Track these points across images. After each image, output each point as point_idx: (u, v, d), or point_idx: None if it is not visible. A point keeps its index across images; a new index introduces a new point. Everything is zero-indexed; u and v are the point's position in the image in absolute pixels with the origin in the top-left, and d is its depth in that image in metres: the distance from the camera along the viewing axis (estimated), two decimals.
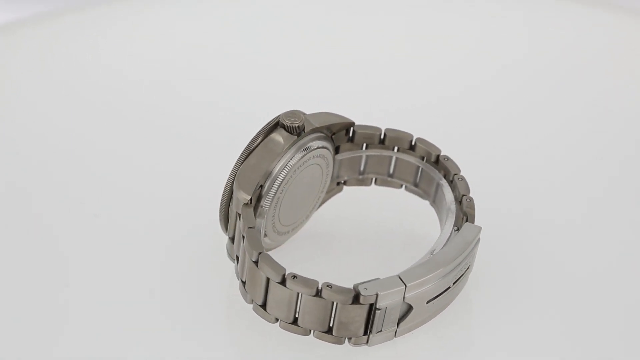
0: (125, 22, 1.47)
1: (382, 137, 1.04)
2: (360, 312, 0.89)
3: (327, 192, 1.06)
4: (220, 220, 0.97)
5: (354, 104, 1.24)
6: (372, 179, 1.08)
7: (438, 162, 1.03)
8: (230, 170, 0.94)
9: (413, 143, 1.04)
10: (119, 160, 1.18)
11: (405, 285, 0.88)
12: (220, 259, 1.00)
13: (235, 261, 0.95)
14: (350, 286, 0.88)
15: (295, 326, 0.91)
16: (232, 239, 0.97)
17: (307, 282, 0.88)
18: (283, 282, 0.89)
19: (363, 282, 0.89)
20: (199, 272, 1.01)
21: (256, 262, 0.89)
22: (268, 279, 0.89)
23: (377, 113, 1.22)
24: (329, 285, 0.88)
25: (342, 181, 1.07)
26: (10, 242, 1.04)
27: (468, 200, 0.98)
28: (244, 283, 0.93)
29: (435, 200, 1.04)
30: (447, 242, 0.95)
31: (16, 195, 1.10)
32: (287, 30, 1.45)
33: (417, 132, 1.04)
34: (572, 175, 1.20)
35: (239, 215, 0.93)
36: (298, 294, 0.89)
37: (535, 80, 1.39)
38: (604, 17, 1.55)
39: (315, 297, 0.88)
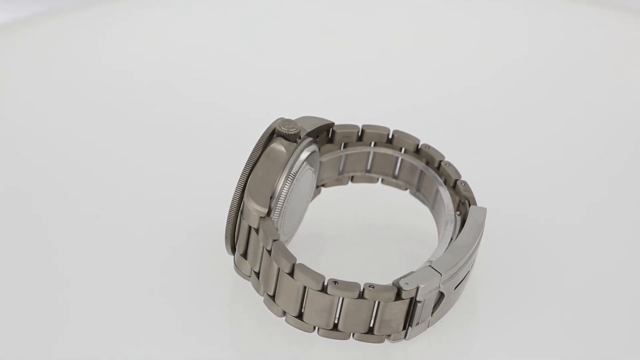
0: (125, 21, 1.47)
1: (359, 134, 1.04)
2: (402, 307, 0.90)
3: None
4: (226, 238, 0.95)
5: (354, 104, 1.24)
6: (349, 177, 1.08)
7: (419, 152, 1.04)
8: (236, 185, 0.93)
9: (390, 136, 1.04)
10: (119, 160, 1.18)
11: (441, 274, 0.89)
12: (221, 258, 0.99)
13: (254, 276, 0.94)
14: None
15: (335, 332, 0.91)
16: (244, 255, 0.95)
17: (349, 285, 0.88)
18: (324, 289, 0.89)
19: (401, 278, 0.89)
20: (199, 272, 1.01)
21: (291, 273, 0.89)
22: (305, 288, 0.89)
23: (377, 113, 1.22)
24: (371, 286, 0.88)
25: (322, 184, 1.07)
26: (10, 242, 1.04)
27: (463, 184, 0.99)
28: (272, 297, 0.92)
29: (420, 189, 1.05)
30: (455, 230, 0.96)
31: (15, 195, 1.10)
32: (287, 30, 1.46)
33: (416, 132, 1.05)
34: (573, 175, 1.21)
35: (256, 229, 0.91)
36: (339, 298, 0.89)
37: (536, 81, 1.39)
38: (604, 16, 1.55)
39: (357, 300, 0.88)
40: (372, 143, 1.05)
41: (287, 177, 0.93)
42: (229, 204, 0.93)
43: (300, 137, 0.95)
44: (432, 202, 1.04)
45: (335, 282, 0.88)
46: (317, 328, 0.91)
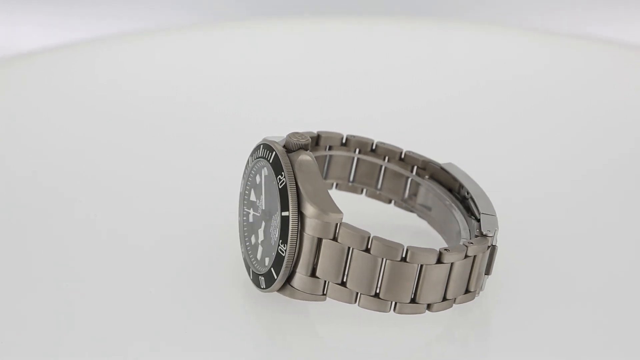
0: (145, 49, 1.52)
1: (344, 140, 1.06)
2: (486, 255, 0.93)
3: None
4: (285, 268, 0.89)
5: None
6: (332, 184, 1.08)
7: (375, 150, 1.06)
8: (279, 214, 0.89)
9: (344, 140, 1.06)
10: (133, 178, 1.21)
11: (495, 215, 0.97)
12: (232, 258, 0.99)
13: (337, 289, 0.89)
14: None
15: (446, 302, 0.92)
16: (313, 274, 0.90)
17: (456, 248, 0.90)
18: (440, 260, 0.89)
19: (480, 223, 0.94)
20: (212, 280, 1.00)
21: (404, 258, 0.88)
22: (421, 267, 0.88)
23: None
24: (470, 242, 0.91)
25: None
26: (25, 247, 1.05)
27: (411, 153, 1.04)
28: (376, 295, 0.89)
29: (380, 188, 1.08)
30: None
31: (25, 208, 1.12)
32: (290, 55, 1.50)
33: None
34: (578, 179, 1.25)
35: (334, 238, 0.87)
36: (452, 264, 0.90)
37: (545, 94, 1.45)
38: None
39: (464, 260, 0.90)
40: (357, 150, 1.07)
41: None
42: (288, 233, 0.88)
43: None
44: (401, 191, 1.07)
45: (446, 249, 0.89)
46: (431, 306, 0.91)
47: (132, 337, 0.89)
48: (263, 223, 0.92)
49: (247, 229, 0.95)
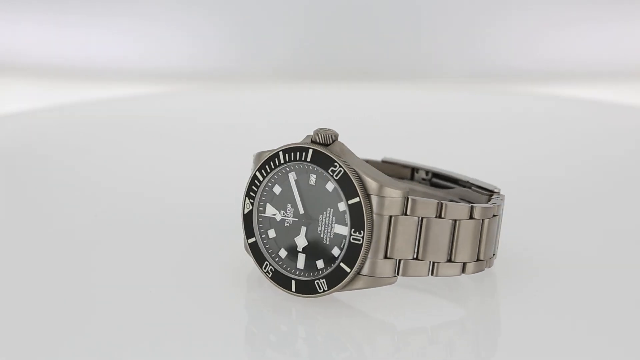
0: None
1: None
2: None
3: None
4: (365, 254, 0.88)
5: None
6: None
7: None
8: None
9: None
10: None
11: None
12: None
13: (414, 260, 0.89)
14: None
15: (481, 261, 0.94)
16: (386, 256, 0.89)
17: (489, 205, 0.92)
18: (494, 213, 0.92)
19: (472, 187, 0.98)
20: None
21: (472, 216, 0.90)
22: (483, 222, 0.90)
23: None
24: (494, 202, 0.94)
25: None
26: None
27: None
28: (450, 260, 0.90)
29: None
30: None
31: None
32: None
33: None
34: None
35: (405, 213, 0.88)
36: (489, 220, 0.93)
37: None
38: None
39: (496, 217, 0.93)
40: None
41: None
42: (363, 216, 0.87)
43: None
44: None
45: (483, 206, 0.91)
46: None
47: (132, 337, 0.89)
48: (303, 229, 0.92)
49: (269, 246, 0.94)
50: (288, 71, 2.04)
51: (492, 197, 0.97)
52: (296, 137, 0.92)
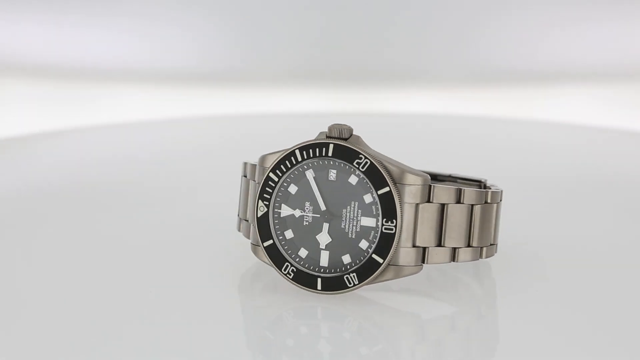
0: None
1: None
2: None
3: None
4: (398, 243, 0.88)
5: None
6: None
7: None
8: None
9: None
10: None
11: None
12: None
13: (439, 247, 0.89)
14: None
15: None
16: (414, 244, 0.89)
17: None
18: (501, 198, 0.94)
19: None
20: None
21: (486, 200, 0.91)
22: (497, 205, 0.92)
23: None
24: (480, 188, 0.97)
25: None
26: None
27: None
28: (469, 245, 0.90)
29: None
30: None
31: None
32: None
33: None
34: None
35: (428, 200, 0.89)
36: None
37: None
38: None
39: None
40: None
41: None
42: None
43: None
44: None
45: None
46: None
47: (132, 337, 0.88)
48: (326, 225, 0.91)
49: (288, 247, 0.92)
50: (282, 75, 2.05)
51: (487, 185, 1.00)
52: (297, 140, 0.92)
